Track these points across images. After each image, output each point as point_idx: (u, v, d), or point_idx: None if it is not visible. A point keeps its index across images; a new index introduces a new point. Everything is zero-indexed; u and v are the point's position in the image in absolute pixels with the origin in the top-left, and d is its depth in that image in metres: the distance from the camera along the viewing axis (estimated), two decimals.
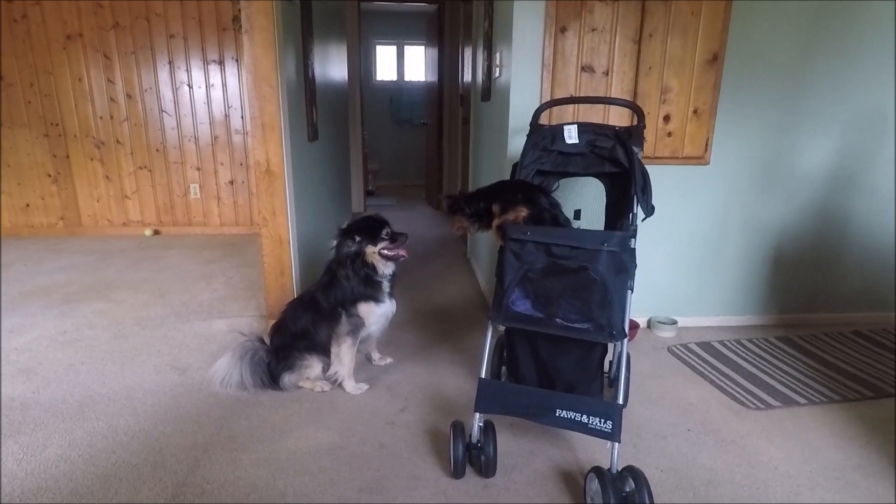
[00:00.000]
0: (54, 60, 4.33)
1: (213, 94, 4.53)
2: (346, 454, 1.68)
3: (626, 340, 1.55)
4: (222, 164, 4.68)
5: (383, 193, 7.52)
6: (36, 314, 2.82)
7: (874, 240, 2.72)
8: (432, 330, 2.70)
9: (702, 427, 1.86)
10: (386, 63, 8.17)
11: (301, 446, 1.72)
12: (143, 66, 4.41)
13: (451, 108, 5.64)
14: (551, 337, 1.62)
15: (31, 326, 2.66)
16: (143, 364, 2.27)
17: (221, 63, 4.47)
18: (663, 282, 2.68)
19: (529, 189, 1.74)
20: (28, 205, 4.62)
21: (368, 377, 2.17)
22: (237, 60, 4.47)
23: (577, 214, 2.20)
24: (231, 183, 4.74)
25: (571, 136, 1.75)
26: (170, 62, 4.43)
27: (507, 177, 1.90)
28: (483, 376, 1.61)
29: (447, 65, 5.51)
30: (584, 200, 2.24)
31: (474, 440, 1.56)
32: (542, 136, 1.80)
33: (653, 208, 1.69)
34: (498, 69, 2.74)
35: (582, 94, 2.38)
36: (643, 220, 1.71)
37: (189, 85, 4.50)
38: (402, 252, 2.00)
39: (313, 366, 2.06)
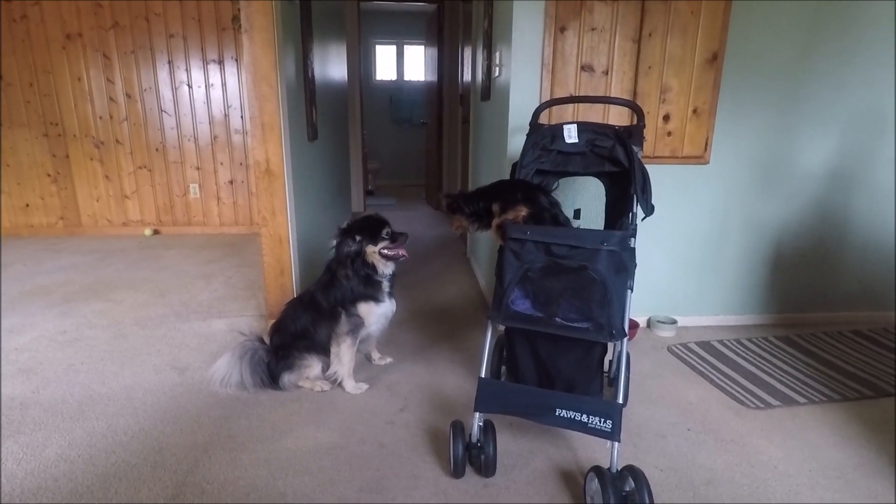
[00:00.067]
0: (54, 60, 4.33)
1: (213, 93, 4.53)
2: (346, 454, 1.68)
3: (625, 340, 1.55)
4: (222, 163, 4.68)
5: (383, 193, 7.52)
6: (35, 314, 2.82)
7: (874, 239, 2.72)
8: (432, 329, 2.70)
9: (702, 426, 1.86)
10: (385, 63, 8.17)
11: (301, 446, 1.72)
12: (142, 65, 4.40)
13: (450, 108, 5.64)
14: (551, 336, 1.62)
15: (31, 326, 2.66)
16: (143, 364, 2.27)
17: (221, 63, 4.47)
18: (663, 281, 2.68)
19: (529, 188, 1.74)
20: (28, 204, 4.62)
21: (368, 377, 2.17)
22: (237, 60, 4.47)
23: (577, 214, 2.20)
24: (231, 183, 4.73)
25: (571, 135, 1.75)
26: (169, 62, 4.42)
27: (506, 176, 1.90)
28: (483, 376, 1.61)
29: (447, 64, 5.51)
30: (584, 200, 2.24)
31: (474, 440, 1.56)
32: (542, 135, 1.80)
33: (652, 208, 1.69)
34: (497, 68, 2.74)
35: (581, 94, 2.38)
36: (643, 220, 1.71)
37: (189, 85, 4.49)
38: (402, 252, 1.99)
39: (313, 365, 2.06)
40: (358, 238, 1.94)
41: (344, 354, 2.02)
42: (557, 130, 1.77)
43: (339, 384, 2.07)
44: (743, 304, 2.76)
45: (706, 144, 2.49)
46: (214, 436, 1.76)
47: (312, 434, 1.79)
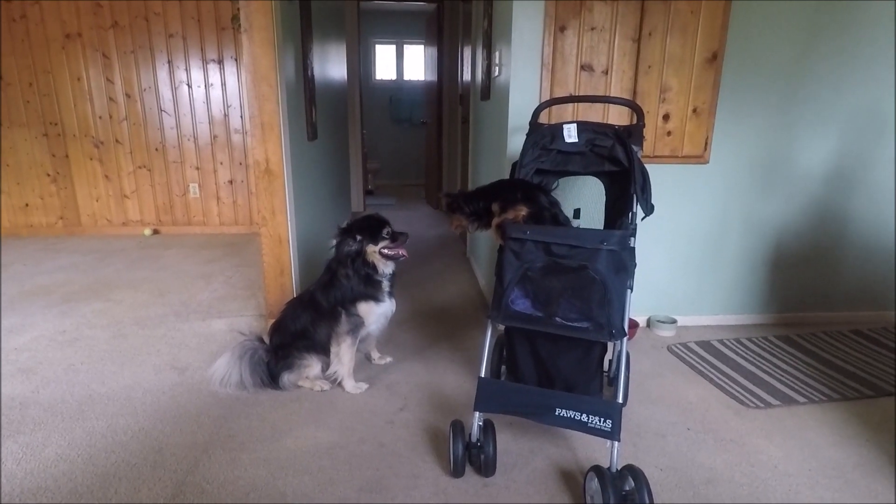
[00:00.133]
0: (53, 60, 4.32)
1: (213, 93, 4.53)
2: (346, 453, 1.68)
3: (625, 339, 1.55)
4: (221, 163, 4.68)
5: (383, 193, 7.52)
6: (35, 314, 2.82)
7: (874, 238, 2.72)
8: (432, 329, 2.70)
9: (701, 426, 1.86)
10: (385, 62, 8.16)
11: (301, 445, 1.72)
12: (142, 65, 4.40)
13: (450, 108, 5.63)
14: (551, 336, 1.62)
15: (31, 326, 2.66)
16: (143, 363, 2.27)
17: (220, 62, 4.46)
18: (663, 281, 2.68)
19: (529, 188, 1.74)
20: (27, 204, 4.62)
21: (368, 376, 2.17)
22: (236, 60, 4.46)
23: (577, 213, 2.20)
24: (230, 182, 4.73)
25: (571, 135, 1.75)
26: (169, 61, 4.42)
27: (506, 176, 1.90)
28: (482, 375, 1.61)
29: (446, 64, 5.50)
30: (584, 199, 2.24)
31: (474, 439, 1.56)
32: (542, 134, 1.80)
33: (652, 207, 1.69)
34: (497, 68, 2.73)
35: (581, 93, 2.38)
36: (643, 219, 1.71)
37: (188, 84, 4.49)
38: (402, 251, 1.99)
39: (313, 365, 2.06)
40: (358, 237, 1.94)
41: (344, 354, 2.02)
42: (557, 130, 1.77)
43: (339, 384, 2.07)
44: (743, 303, 2.76)
45: (706, 144, 2.49)
46: (214, 435, 1.76)
47: (312, 434, 1.79)
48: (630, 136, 1.71)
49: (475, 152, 3.75)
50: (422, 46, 7.69)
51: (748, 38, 2.38)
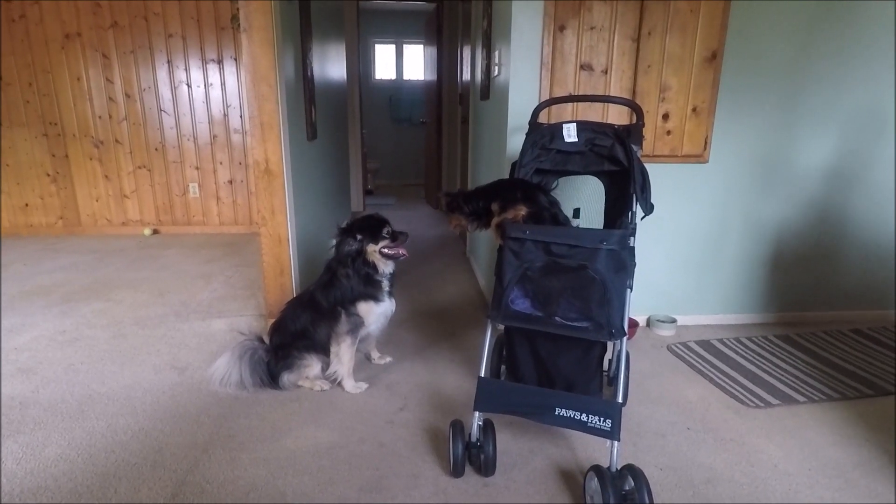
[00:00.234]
0: (53, 60, 4.32)
1: (212, 93, 4.53)
2: (346, 453, 1.68)
3: (625, 339, 1.55)
4: (221, 163, 4.68)
5: (382, 192, 7.52)
6: (35, 314, 2.82)
7: (873, 237, 2.72)
8: (432, 329, 2.70)
9: (701, 425, 1.86)
10: (385, 62, 8.16)
11: (300, 445, 1.72)
12: (141, 65, 4.40)
13: (449, 107, 5.63)
14: (551, 336, 1.62)
15: (31, 326, 2.66)
16: (143, 363, 2.27)
17: (220, 62, 4.46)
18: (663, 280, 2.68)
19: (528, 188, 1.74)
20: (27, 204, 4.62)
21: (368, 376, 2.17)
22: (236, 60, 4.46)
23: (577, 213, 2.20)
24: (230, 182, 4.73)
25: (570, 134, 1.75)
26: (168, 61, 4.42)
27: (506, 175, 1.90)
28: (482, 375, 1.61)
29: (446, 63, 5.50)
30: (584, 199, 2.24)
31: (474, 439, 1.56)
32: (541, 134, 1.80)
33: (652, 206, 1.69)
34: (497, 68, 2.73)
35: (581, 93, 2.38)
36: (642, 219, 1.71)
37: (188, 84, 4.49)
38: (402, 251, 1.99)
39: (312, 365, 2.06)
40: (359, 237, 1.94)
41: (344, 354, 2.02)
42: (557, 129, 1.77)
43: (339, 383, 2.07)
44: (743, 302, 2.76)
45: (705, 143, 2.49)
46: (214, 435, 1.76)
47: (312, 433, 1.79)
48: (629, 135, 1.71)
49: (475, 152, 3.75)
50: (421, 46, 7.69)
51: (748, 37, 2.38)
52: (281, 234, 2.47)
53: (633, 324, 2.59)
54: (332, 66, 3.95)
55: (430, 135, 6.24)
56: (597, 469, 1.38)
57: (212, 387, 2.03)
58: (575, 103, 2.37)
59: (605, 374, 1.87)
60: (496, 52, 2.74)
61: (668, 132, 2.46)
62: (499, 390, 1.62)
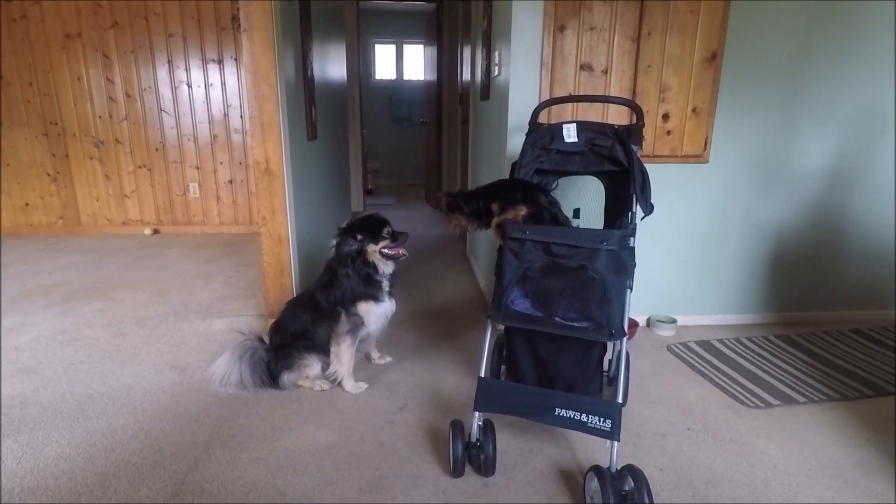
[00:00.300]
0: (53, 60, 4.32)
1: (212, 93, 4.53)
2: (346, 453, 1.68)
3: (625, 339, 1.55)
4: (221, 163, 4.68)
5: (382, 192, 7.52)
6: (35, 313, 2.82)
7: (873, 237, 2.72)
8: (431, 329, 2.70)
9: (701, 426, 1.86)
10: (385, 62, 8.16)
11: (300, 445, 1.72)
12: (141, 65, 4.40)
13: (450, 107, 5.63)
14: (550, 336, 1.62)
15: (31, 325, 2.66)
16: (143, 363, 2.27)
17: (220, 62, 4.46)
18: (663, 280, 2.68)
19: (528, 188, 1.74)
20: (27, 204, 4.62)
21: (368, 376, 2.17)
22: (236, 60, 4.46)
23: (577, 213, 2.19)
24: (230, 182, 4.73)
25: (570, 134, 1.75)
26: (169, 61, 4.42)
27: (506, 176, 1.90)
28: (482, 375, 1.61)
29: (446, 64, 5.50)
30: (584, 199, 2.24)
31: (474, 439, 1.56)
32: (541, 134, 1.80)
33: (652, 207, 1.69)
34: (497, 68, 2.73)
35: (581, 93, 2.38)
36: (642, 219, 1.71)
37: (188, 84, 4.49)
38: (402, 251, 2.00)
39: (313, 365, 2.06)
40: (359, 237, 1.94)
41: (343, 354, 2.02)
42: (557, 130, 1.77)
43: (339, 383, 2.07)
44: (742, 303, 2.76)
45: (705, 143, 2.49)
46: (214, 435, 1.76)
47: (312, 433, 1.79)
48: (629, 135, 1.71)
49: (475, 152, 3.75)
50: (421, 46, 7.69)
51: (747, 37, 2.38)
52: (281, 234, 2.47)
53: (633, 324, 2.59)
54: (332, 66, 3.95)
55: (430, 135, 6.24)
56: (597, 469, 1.38)
57: (212, 386, 2.03)
58: (575, 103, 2.37)
59: (605, 374, 1.87)
60: (496, 53, 2.74)
61: (668, 132, 2.46)
62: (499, 390, 1.62)
